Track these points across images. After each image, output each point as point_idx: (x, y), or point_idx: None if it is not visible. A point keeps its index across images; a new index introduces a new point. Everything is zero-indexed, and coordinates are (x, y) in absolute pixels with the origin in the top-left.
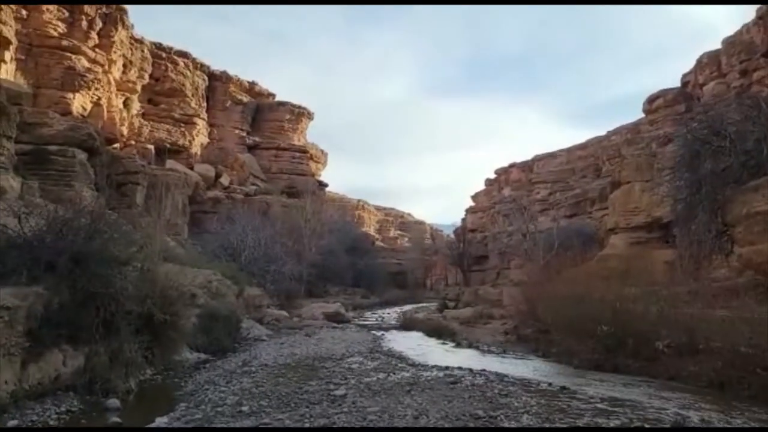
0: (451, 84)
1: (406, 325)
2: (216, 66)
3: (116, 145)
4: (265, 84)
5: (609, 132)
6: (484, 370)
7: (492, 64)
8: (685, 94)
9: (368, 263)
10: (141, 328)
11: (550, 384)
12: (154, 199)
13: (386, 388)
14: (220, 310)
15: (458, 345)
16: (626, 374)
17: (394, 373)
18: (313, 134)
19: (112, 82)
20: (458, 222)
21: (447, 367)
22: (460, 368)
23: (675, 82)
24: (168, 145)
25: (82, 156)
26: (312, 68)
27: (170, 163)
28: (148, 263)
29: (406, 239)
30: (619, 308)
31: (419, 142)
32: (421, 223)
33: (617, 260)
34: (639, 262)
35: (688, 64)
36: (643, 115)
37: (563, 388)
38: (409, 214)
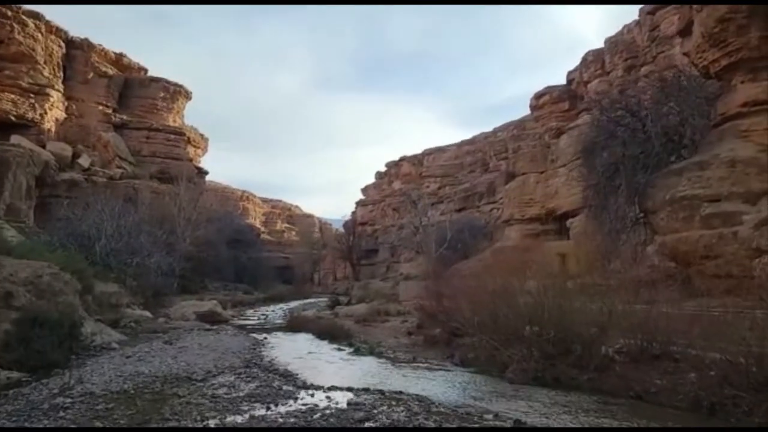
0: (344, 80)
1: (294, 325)
2: (77, 33)
3: None
4: (136, 57)
5: (496, 128)
6: (400, 392)
7: (384, 63)
8: (570, 91)
9: (252, 257)
10: None
11: (496, 415)
12: None
13: None
14: (47, 313)
15: (357, 351)
16: (575, 390)
17: (276, 404)
18: (197, 122)
19: None
20: (347, 216)
21: (350, 389)
22: (367, 390)
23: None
24: (13, 118)
25: None
26: (199, 53)
27: (17, 138)
28: None
29: (294, 233)
30: (554, 305)
31: (310, 137)
32: (310, 216)
33: (512, 252)
34: (534, 255)
35: (572, 64)
36: (528, 112)
37: (518, 422)
38: (297, 207)
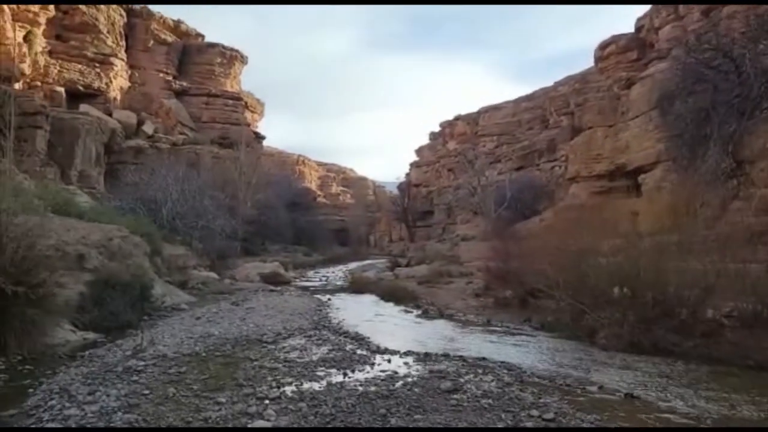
0: (395, 39)
1: (356, 286)
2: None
3: (17, 85)
4: (193, 23)
5: (556, 83)
6: (483, 359)
7: (434, 20)
8: (639, 39)
9: (310, 220)
10: None
11: (600, 387)
12: (62, 147)
13: (344, 408)
14: (119, 275)
15: (425, 313)
16: (678, 357)
17: (353, 370)
18: (249, 87)
19: (6, 10)
20: (401, 178)
21: (428, 355)
22: (446, 356)
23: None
24: (81, 88)
25: None
26: (247, 17)
27: (85, 107)
28: None
29: (349, 195)
30: (650, 264)
31: (361, 98)
32: (364, 179)
33: (578, 211)
34: (603, 213)
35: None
36: (590, 65)
37: (630, 396)
38: (352, 170)
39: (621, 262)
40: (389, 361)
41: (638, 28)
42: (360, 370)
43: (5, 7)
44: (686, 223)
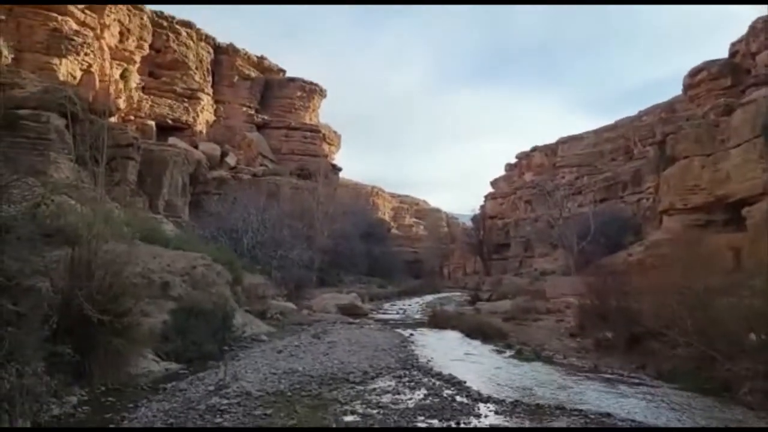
0: (466, 75)
1: (437, 321)
2: (222, 39)
3: (112, 119)
4: (275, 60)
5: (641, 112)
6: (608, 415)
7: (508, 55)
8: (733, 65)
9: (384, 251)
10: (61, 332)
11: None
12: (151, 178)
13: None
14: (201, 304)
15: (519, 353)
16: None
17: (458, 422)
18: (325, 121)
19: (106, 49)
20: (475, 211)
21: (539, 407)
22: (562, 410)
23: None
24: (170, 122)
25: (58, 122)
26: (324, 57)
27: (173, 140)
28: (89, 238)
29: (422, 227)
30: None
31: (435, 132)
32: (437, 210)
33: (671, 246)
34: (699, 248)
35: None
36: (676, 94)
37: None
38: (425, 202)
39: (756, 303)
40: (496, 411)
41: (732, 54)
42: (466, 423)
43: (105, 47)
44: None
